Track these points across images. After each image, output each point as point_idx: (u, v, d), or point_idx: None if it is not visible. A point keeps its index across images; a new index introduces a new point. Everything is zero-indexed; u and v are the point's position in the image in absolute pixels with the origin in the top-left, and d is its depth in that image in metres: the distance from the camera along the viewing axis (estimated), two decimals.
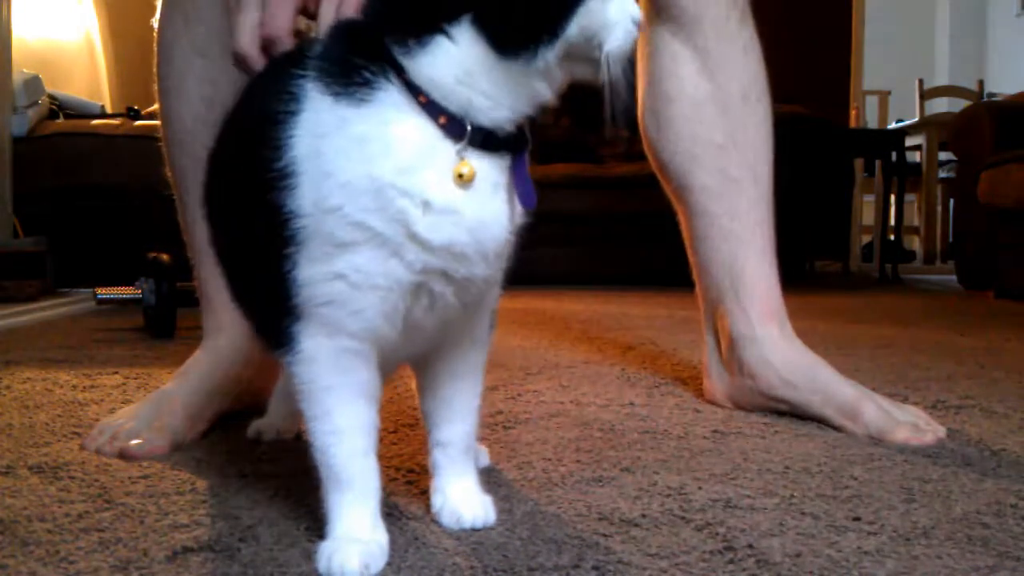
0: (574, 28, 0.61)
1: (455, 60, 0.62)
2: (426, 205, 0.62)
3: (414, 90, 0.62)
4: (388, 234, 0.61)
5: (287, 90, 0.64)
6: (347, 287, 0.62)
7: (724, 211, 1.19)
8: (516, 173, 0.67)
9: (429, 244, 0.62)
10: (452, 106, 0.63)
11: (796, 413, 1.14)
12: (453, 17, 0.61)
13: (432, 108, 0.63)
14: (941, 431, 1.05)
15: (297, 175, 0.62)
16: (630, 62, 0.65)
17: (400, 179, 0.61)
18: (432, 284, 0.64)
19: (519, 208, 0.68)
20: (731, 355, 1.19)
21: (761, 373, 1.16)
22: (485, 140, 0.64)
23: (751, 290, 1.18)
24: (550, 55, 0.61)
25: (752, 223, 1.19)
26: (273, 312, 0.66)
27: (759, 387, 1.16)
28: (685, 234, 1.24)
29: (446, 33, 0.62)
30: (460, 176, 0.62)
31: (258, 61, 0.78)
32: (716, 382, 1.23)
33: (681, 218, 1.24)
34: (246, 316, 0.74)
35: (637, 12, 0.65)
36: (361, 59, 0.63)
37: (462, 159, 0.63)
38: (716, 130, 1.18)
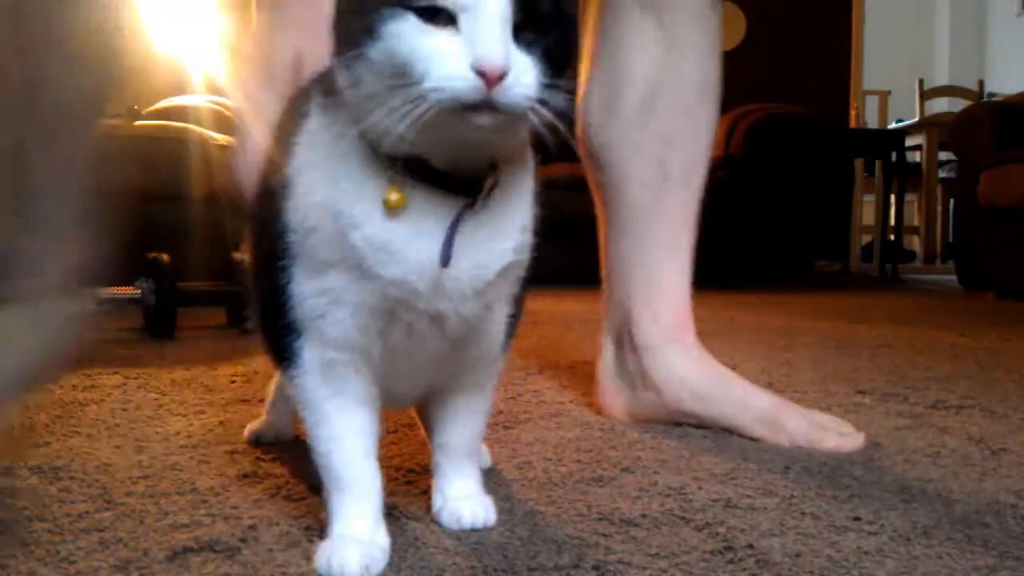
0: (377, 52, 0.55)
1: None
2: (367, 237, 0.60)
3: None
4: (350, 258, 0.61)
5: (305, 99, 0.65)
6: (330, 301, 0.62)
7: (654, 209, 1.12)
8: (449, 226, 0.61)
9: (380, 277, 0.61)
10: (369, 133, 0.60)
11: (704, 426, 1.08)
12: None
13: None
14: (860, 436, 1.01)
15: (292, 186, 0.62)
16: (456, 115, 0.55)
17: (347, 205, 0.60)
18: (399, 312, 0.63)
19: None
20: (635, 365, 1.13)
21: (667, 386, 1.10)
22: (425, 173, 0.60)
23: (666, 296, 1.12)
24: (353, 72, 0.57)
25: (678, 227, 1.13)
26: (279, 327, 0.65)
27: (664, 400, 1.10)
28: (602, 229, 1.18)
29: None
30: (387, 203, 0.59)
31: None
32: (614, 395, 1.15)
33: (601, 208, 1.18)
34: (262, 334, 0.72)
35: (490, 58, 0.53)
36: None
37: (392, 186, 0.60)
38: (667, 124, 1.11)
